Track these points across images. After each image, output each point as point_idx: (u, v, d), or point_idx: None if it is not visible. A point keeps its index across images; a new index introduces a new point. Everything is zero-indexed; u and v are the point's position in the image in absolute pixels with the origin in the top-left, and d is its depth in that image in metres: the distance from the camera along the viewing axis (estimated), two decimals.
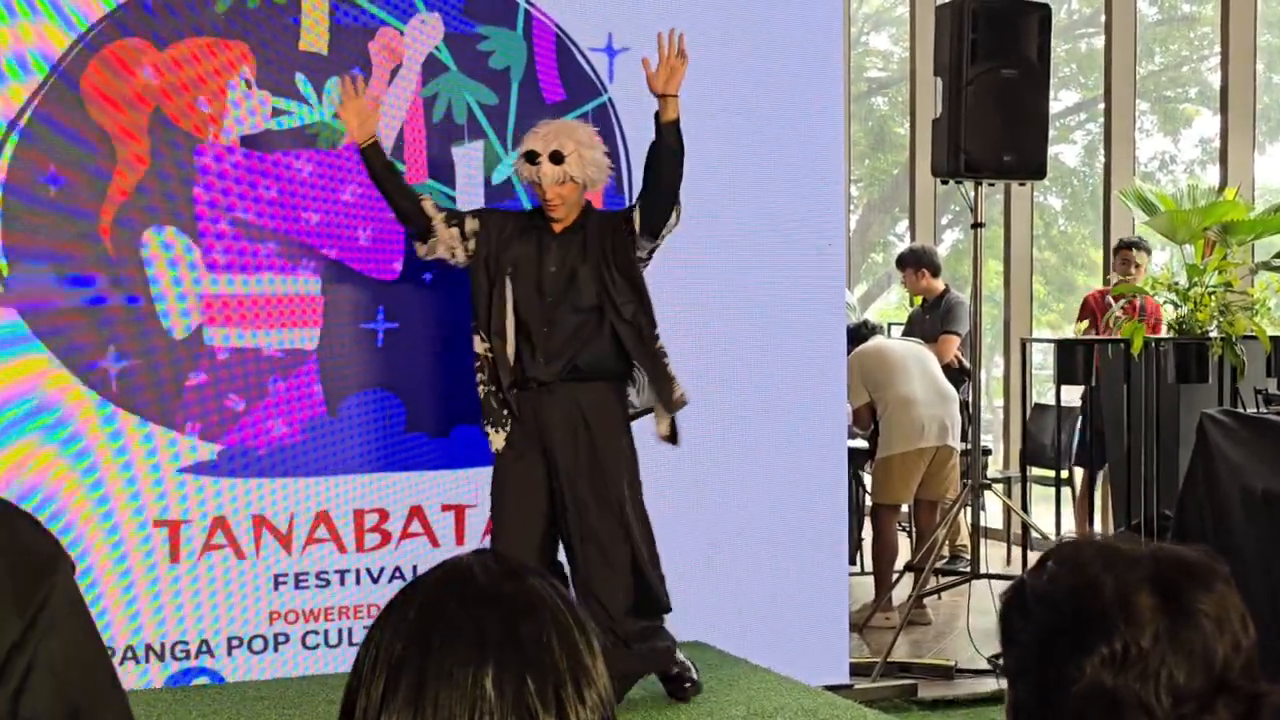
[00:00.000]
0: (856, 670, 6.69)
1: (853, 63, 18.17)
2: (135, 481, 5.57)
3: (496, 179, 6.04)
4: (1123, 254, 8.91)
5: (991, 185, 7.49)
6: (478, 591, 1.44)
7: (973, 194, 7.20)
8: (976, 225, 7.28)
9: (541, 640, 1.41)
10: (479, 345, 5.18)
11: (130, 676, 5.49)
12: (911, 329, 9.36)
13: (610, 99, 6.20)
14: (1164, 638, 1.61)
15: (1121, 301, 8.03)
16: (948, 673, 6.94)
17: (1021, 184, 7.83)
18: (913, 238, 11.75)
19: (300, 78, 5.77)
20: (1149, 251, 8.39)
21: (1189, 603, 1.64)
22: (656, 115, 5.11)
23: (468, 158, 6.01)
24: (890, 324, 10.70)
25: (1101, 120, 10.53)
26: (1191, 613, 1.63)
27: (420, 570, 5.75)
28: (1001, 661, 1.77)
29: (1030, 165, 7.06)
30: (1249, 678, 1.63)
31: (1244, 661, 1.64)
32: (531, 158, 5.08)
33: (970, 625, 7.28)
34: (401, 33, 5.90)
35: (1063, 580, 1.69)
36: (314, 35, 5.79)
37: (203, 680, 5.66)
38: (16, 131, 5.40)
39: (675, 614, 5.53)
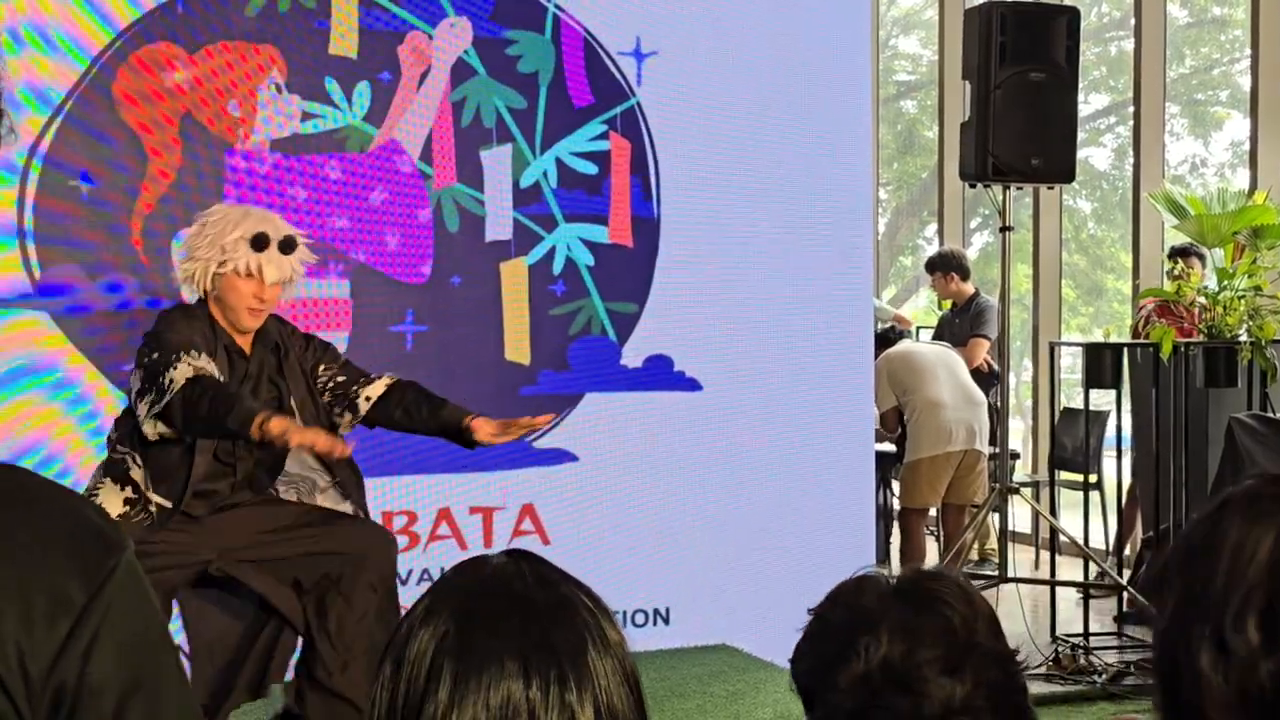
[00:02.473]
0: None
1: (881, 66, 18.14)
2: None
3: (525, 182, 6.06)
4: (1177, 260, 8.84)
5: (1020, 189, 7.46)
6: (515, 598, 1.47)
7: (1001, 198, 7.18)
8: (1005, 229, 7.27)
9: (578, 645, 1.43)
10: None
11: None
12: (941, 333, 9.34)
13: (638, 102, 6.22)
14: (900, 627, 1.80)
15: (1150, 305, 8.00)
16: None
17: (1050, 187, 7.82)
18: (941, 241, 11.73)
19: (330, 82, 5.79)
20: (1201, 258, 8.34)
21: (924, 593, 1.85)
22: (465, 427, 4.31)
23: (496, 161, 6.03)
24: (919, 327, 10.69)
25: (1131, 123, 10.50)
26: (926, 600, 1.84)
27: None
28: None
29: (1059, 169, 7.04)
30: (996, 640, 1.84)
31: (986, 626, 1.84)
32: (260, 243, 4.19)
33: None
34: (430, 36, 5.92)
35: (817, 621, 1.95)
36: (343, 39, 5.81)
37: None
38: (50, 133, 5.43)
39: (704, 617, 5.54)
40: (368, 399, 4.36)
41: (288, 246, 4.20)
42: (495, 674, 1.40)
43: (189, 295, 4.31)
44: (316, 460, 4.37)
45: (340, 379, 4.40)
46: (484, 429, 4.25)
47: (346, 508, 4.45)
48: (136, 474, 4.21)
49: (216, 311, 4.22)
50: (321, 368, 4.39)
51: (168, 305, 4.64)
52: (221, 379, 4.04)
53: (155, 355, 4.04)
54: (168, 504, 4.20)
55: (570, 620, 1.46)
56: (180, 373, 3.94)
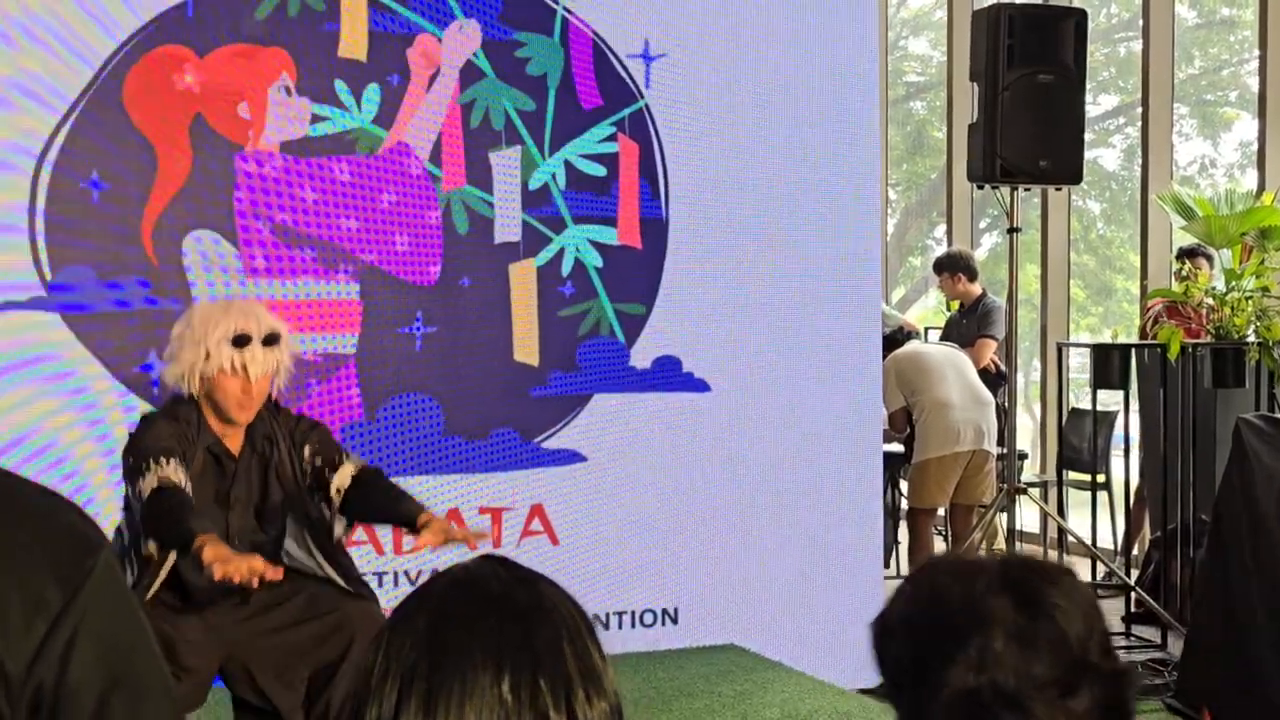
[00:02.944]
0: None
1: (890, 67, 18.14)
2: None
3: (534, 184, 6.08)
4: (1185, 261, 8.85)
5: (1028, 190, 7.48)
6: (490, 598, 1.47)
7: (1009, 199, 7.20)
8: (1012, 230, 7.29)
9: (555, 645, 1.43)
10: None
11: None
12: (949, 333, 9.36)
13: (647, 104, 6.24)
14: (1015, 634, 1.68)
15: (1159, 306, 8.01)
16: None
17: (1058, 189, 7.82)
18: (950, 242, 11.74)
19: (339, 84, 5.82)
20: (1209, 258, 8.34)
21: (1037, 596, 1.72)
22: (415, 522, 4.25)
23: (505, 163, 6.05)
24: (928, 328, 10.70)
25: (1140, 124, 10.50)
26: (1041, 604, 1.71)
27: None
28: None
29: (1067, 170, 7.06)
30: (1107, 657, 1.71)
31: (1099, 643, 1.71)
32: (242, 341, 4.14)
33: None
34: (439, 39, 5.95)
35: (918, 600, 1.80)
36: (353, 42, 5.84)
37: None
38: (61, 136, 5.46)
39: (712, 617, 5.54)
40: (338, 490, 4.31)
41: (271, 341, 4.17)
42: (471, 677, 1.39)
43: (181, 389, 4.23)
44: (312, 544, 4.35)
45: (317, 462, 4.33)
46: (426, 535, 4.19)
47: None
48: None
49: (207, 409, 4.18)
50: (307, 449, 4.34)
51: (184, 306, 4.62)
52: (187, 488, 3.97)
53: (130, 462, 4.02)
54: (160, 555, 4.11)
55: (548, 620, 1.46)
56: (147, 483, 3.90)
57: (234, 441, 4.23)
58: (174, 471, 3.94)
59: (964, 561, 1.81)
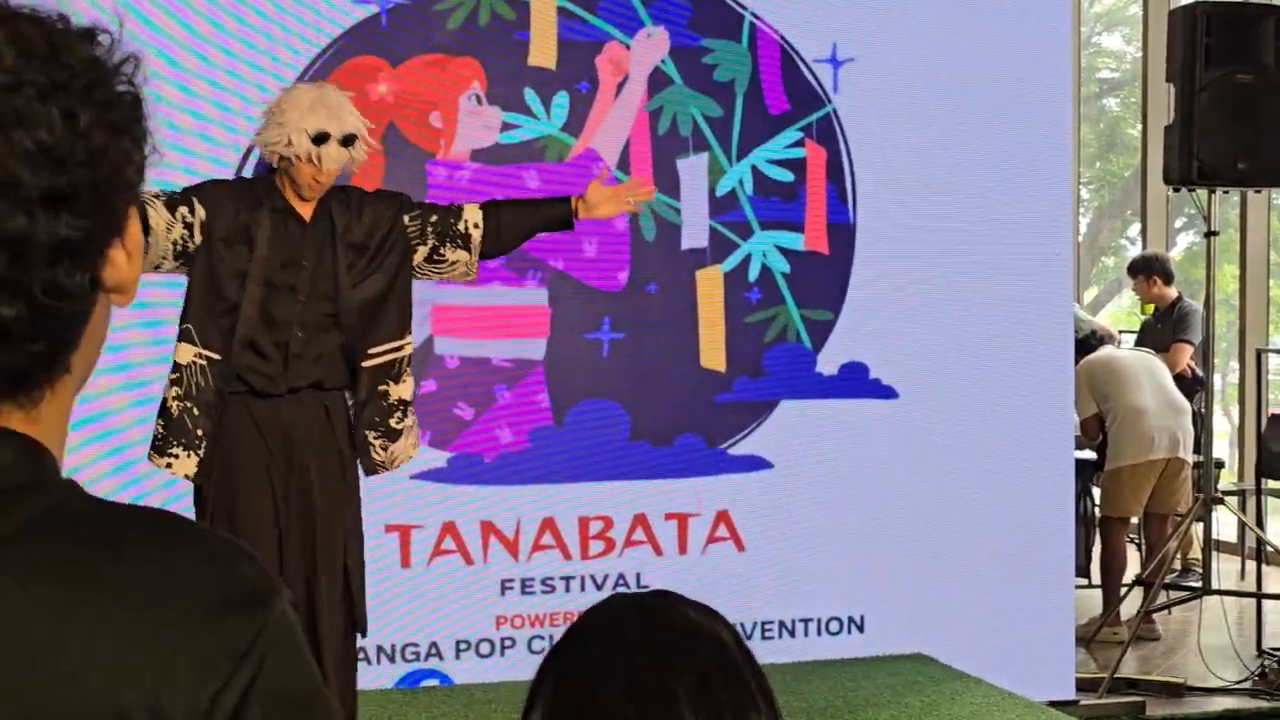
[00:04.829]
0: (1083, 686, 6.58)
1: (1084, 63, 17.83)
2: (369, 487, 5.73)
3: (721, 190, 6.08)
4: None
5: (1226, 193, 7.31)
6: (640, 637, 1.48)
7: (1206, 202, 7.04)
8: (1210, 234, 7.12)
9: (703, 676, 1.43)
10: (186, 353, 4.37)
11: (363, 677, 5.66)
12: (1143, 338, 9.18)
13: (834, 109, 6.21)
14: None
15: None
16: (1177, 691, 6.78)
17: (1257, 191, 7.63)
18: (1144, 243, 11.51)
19: (529, 92, 5.88)
20: None
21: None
22: (576, 203, 4.64)
23: (692, 170, 6.06)
24: (1121, 330, 10.50)
25: None
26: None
27: (644, 579, 5.83)
28: None
29: (1267, 172, 6.88)
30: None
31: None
32: (321, 139, 4.36)
33: (1201, 642, 7.11)
34: (628, 47, 5.98)
35: None
36: (542, 51, 5.89)
37: (432, 682, 5.80)
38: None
39: (899, 625, 5.50)
40: (476, 226, 4.58)
41: (348, 142, 4.40)
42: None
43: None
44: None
45: (434, 219, 4.58)
46: (605, 207, 4.61)
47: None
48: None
49: (284, 180, 4.45)
50: (406, 220, 4.57)
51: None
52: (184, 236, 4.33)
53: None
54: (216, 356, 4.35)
55: (692, 652, 1.47)
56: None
57: (305, 212, 4.47)
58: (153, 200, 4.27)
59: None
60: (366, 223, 4.51)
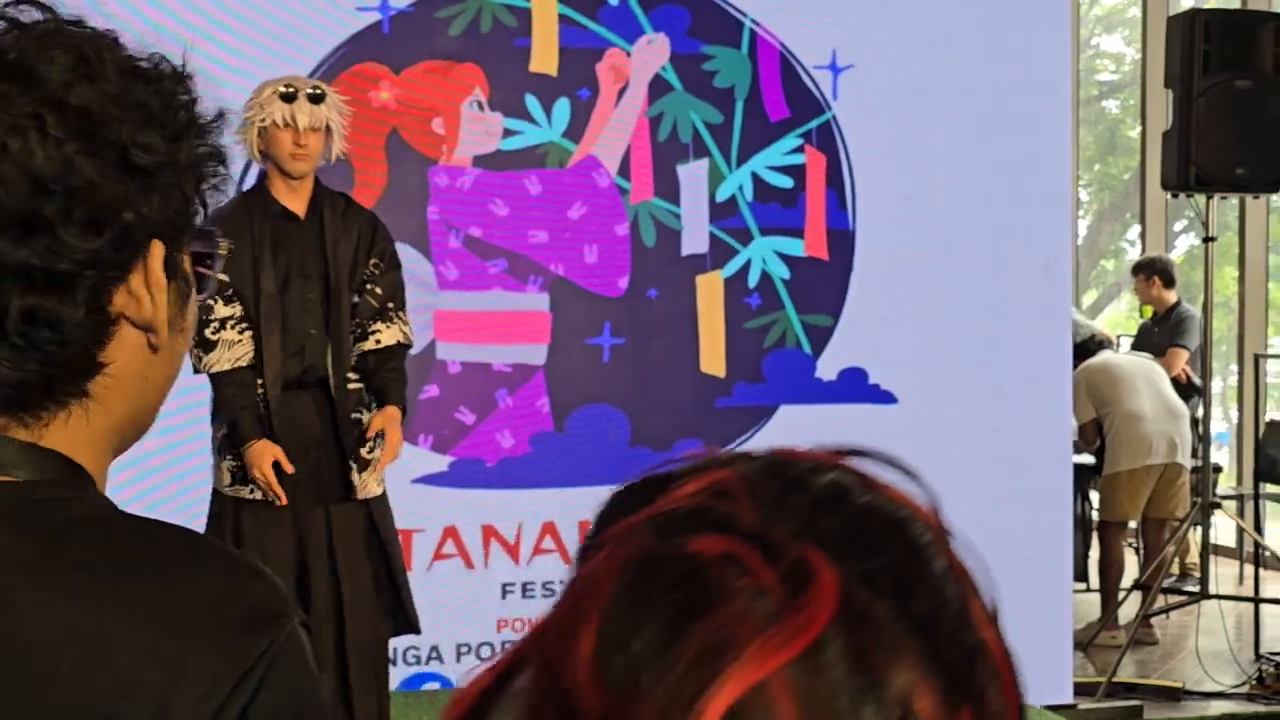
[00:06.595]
0: (1081, 690, 6.60)
1: (1083, 66, 17.85)
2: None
3: (721, 196, 6.11)
4: None
5: (1224, 198, 7.33)
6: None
7: (1204, 207, 7.06)
8: (1208, 239, 7.15)
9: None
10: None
11: None
12: (1141, 343, 9.20)
13: (834, 116, 6.23)
14: None
15: None
16: (1175, 694, 6.81)
17: (1255, 197, 7.66)
18: (1144, 245, 11.54)
19: (530, 99, 5.90)
20: None
21: None
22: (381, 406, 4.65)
23: (693, 176, 6.09)
24: (1120, 335, 10.52)
25: None
26: None
27: None
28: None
29: (1265, 178, 6.91)
30: None
31: None
32: (289, 97, 4.46)
33: (1199, 647, 7.14)
34: (628, 53, 6.00)
35: None
36: (543, 57, 5.92)
37: (433, 685, 5.82)
38: None
39: None
40: (377, 341, 4.62)
41: (316, 98, 4.48)
42: None
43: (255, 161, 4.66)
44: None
45: (377, 291, 4.66)
46: (376, 420, 4.61)
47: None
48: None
49: (272, 172, 4.55)
50: (372, 263, 4.67)
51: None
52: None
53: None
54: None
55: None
56: (215, 356, 4.40)
57: (297, 206, 4.57)
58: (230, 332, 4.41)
59: None
60: (352, 242, 4.64)
